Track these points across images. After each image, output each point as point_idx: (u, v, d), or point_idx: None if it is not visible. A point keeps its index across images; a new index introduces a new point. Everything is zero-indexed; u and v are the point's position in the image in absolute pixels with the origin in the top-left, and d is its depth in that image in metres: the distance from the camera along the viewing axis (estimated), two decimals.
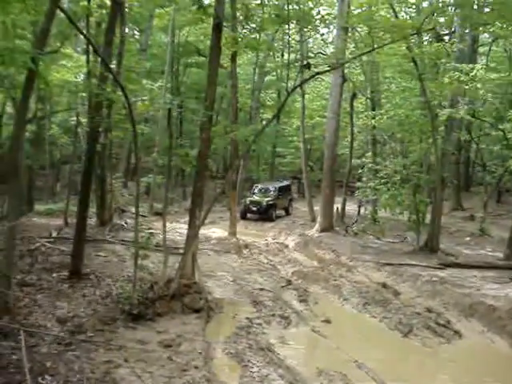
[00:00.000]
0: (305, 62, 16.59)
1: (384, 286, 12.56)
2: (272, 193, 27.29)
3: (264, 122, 23.11)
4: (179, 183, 34.37)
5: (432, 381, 7.48)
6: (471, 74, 15.35)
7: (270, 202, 26.20)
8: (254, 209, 26.12)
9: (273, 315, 9.97)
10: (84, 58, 16.37)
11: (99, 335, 7.76)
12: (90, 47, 13.76)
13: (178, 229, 17.24)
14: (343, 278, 13.25)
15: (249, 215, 26.49)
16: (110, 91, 9.99)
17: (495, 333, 9.42)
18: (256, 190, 28.05)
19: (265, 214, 25.99)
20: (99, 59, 11.50)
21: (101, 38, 12.07)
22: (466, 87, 15.71)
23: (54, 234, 15.83)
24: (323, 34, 28.74)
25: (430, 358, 8.45)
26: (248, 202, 26.18)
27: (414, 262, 14.46)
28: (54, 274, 10.88)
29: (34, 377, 5.86)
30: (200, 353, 7.46)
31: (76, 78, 17.23)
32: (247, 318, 9.62)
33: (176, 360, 7.08)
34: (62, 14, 9.66)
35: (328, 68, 13.95)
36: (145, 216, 20.33)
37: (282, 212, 28.42)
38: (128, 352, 7.19)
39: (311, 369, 7.45)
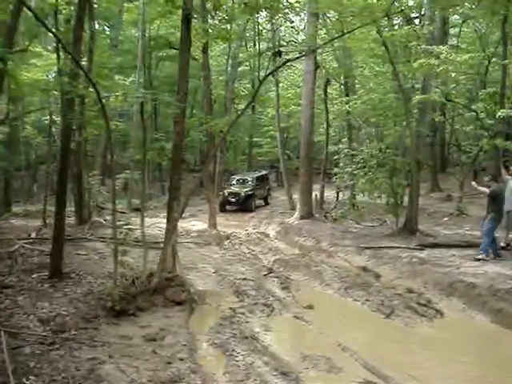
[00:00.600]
0: (276, 50, 16.53)
1: (365, 269, 12.68)
2: (250, 183, 27.43)
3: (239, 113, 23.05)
4: (157, 178, 34.31)
5: (416, 359, 7.56)
6: (442, 56, 15.44)
7: (249, 193, 26.31)
8: (233, 200, 26.19)
9: (256, 304, 10.02)
10: (54, 55, 16.21)
11: (82, 333, 7.72)
12: (60, 45, 13.62)
13: (157, 223, 17.19)
14: (324, 263, 13.33)
15: (228, 207, 26.55)
16: (81, 88, 9.90)
17: (476, 310, 9.53)
18: (234, 181, 28.14)
19: (244, 205, 26.07)
20: (70, 56, 11.37)
21: (70, 35, 11.96)
22: (438, 69, 15.83)
23: (33, 235, 15.70)
24: (293, 22, 28.62)
25: (413, 337, 8.55)
26: (227, 194, 26.22)
27: (393, 245, 14.57)
28: (35, 275, 10.77)
29: (18, 378, 5.82)
30: (184, 345, 7.48)
31: (47, 76, 17.07)
32: (230, 308, 9.64)
33: (160, 353, 7.08)
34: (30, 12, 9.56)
35: (299, 55, 13.97)
36: (123, 212, 20.27)
37: (262, 202, 28.48)
38: (112, 348, 7.18)
39: (296, 354, 7.50)
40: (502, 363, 7.54)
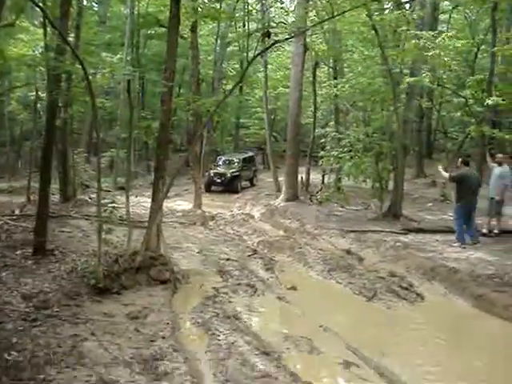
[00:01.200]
0: (265, 31, 16.43)
1: (348, 252, 12.74)
2: (236, 164, 27.49)
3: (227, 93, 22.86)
4: (143, 157, 34.19)
5: (396, 340, 7.66)
6: (437, 41, 15.42)
7: (235, 174, 26.36)
8: (219, 181, 26.21)
9: (239, 284, 10.05)
10: (41, 31, 16.01)
11: (65, 310, 7.71)
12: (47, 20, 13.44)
13: (142, 202, 17.15)
14: (308, 246, 13.39)
15: (213, 187, 26.56)
16: (67, 64, 9.79)
17: (457, 294, 9.63)
18: (220, 162, 28.14)
19: (230, 186, 26.09)
20: (56, 32, 11.24)
21: (58, 10, 11.80)
22: (429, 54, 15.82)
23: (17, 212, 15.64)
24: (283, 3, 28.48)
25: (395, 319, 8.65)
26: (212, 174, 26.21)
27: (377, 228, 14.67)
28: (18, 252, 10.75)
29: None
30: (167, 323, 7.50)
31: (34, 51, 16.88)
32: (214, 288, 9.67)
33: (143, 331, 7.10)
34: None
35: (288, 36, 13.89)
36: (109, 191, 20.20)
37: (248, 183, 28.51)
38: (95, 325, 7.19)
39: (277, 335, 7.54)
40: (478, 344, 7.67)
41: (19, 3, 13.35)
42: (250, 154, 31.27)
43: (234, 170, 26.91)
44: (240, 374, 6.07)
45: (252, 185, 28.94)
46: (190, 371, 5.99)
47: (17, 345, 6.24)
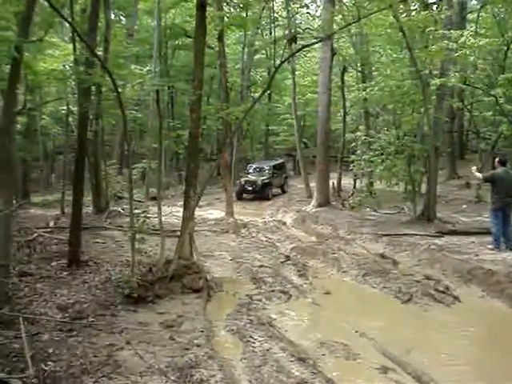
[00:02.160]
0: (291, 36, 16.43)
1: (382, 256, 12.58)
2: (267, 171, 27.40)
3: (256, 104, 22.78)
4: (174, 167, 34.41)
5: (434, 344, 7.51)
6: (460, 41, 15.25)
7: (266, 181, 26.29)
8: (250, 188, 26.17)
9: (273, 291, 10.00)
10: (71, 46, 16.25)
11: (100, 320, 7.77)
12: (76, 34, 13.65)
13: (174, 212, 17.25)
14: (341, 251, 13.26)
15: (245, 195, 26.55)
16: (97, 76, 9.90)
17: (494, 296, 9.45)
18: (251, 170, 28.11)
19: (261, 193, 26.06)
20: (85, 46, 11.40)
21: (86, 24, 11.98)
22: (456, 54, 15.64)
23: (52, 224, 15.86)
24: (308, 8, 28.48)
25: (431, 323, 8.49)
26: (243, 182, 26.22)
27: (411, 232, 14.49)
28: (53, 263, 10.89)
29: (36, 363, 5.87)
30: (201, 331, 7.49)
31: (64, 66, 17.14)
32: (247, 295, 9.64)
33: (178, 339, 7.10)
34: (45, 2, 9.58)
35: (315, 40, 13.83)
36: (141, 201, 20.35)
37: (278, 190, 28.48)
38: (130, 334, 7.22)
39: (313, 340, 7.48)
40: None
41: (48, 19, 13.60)
42: (280, 161, 31.31)
43: (264, 178, 26.82)
44: (276, 381, 6.02)
45: (283, 192, 28.89)
46: (225, 379, 5.96)
47: (53, 355, 6.30)
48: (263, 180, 26.50)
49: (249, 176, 27.27)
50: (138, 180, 25.21)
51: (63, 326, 7.35)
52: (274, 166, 28.56)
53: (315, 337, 7.69)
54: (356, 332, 7.79)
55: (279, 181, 28.79)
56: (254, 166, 29.01)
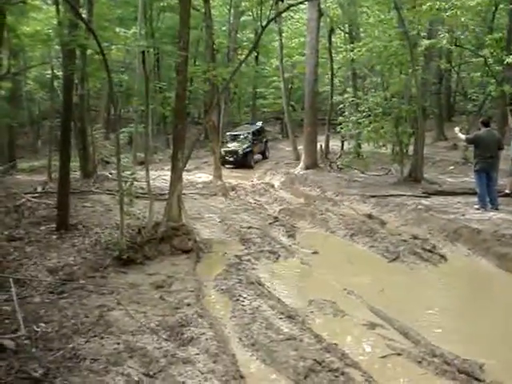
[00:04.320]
0: None
1: (370, 216, 12.68)
2: (247, 139, 26.30)
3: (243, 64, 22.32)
4: (162, 132, 34.20)
5: (421, 301, 7.64)
6: (451, 1, 15.10)
7: (247, 150, 25.40)
8: (231, 159, 25.14)
9: (261, 251, 10.09)
10: (53, 8, 15.97)
11: (91, 282, 7.82)
12: None
13: (162, 176, 17.22)
14: (329, 212, 13.35)
15: (226, 165, 25.30)
16: (81, 37, 9.76)
17: (480, 255, 9.56)
18: (229, 139, 26.83)
19: (243, 163, 24.92)
20: (69, 8, 11.21)
21: None
22: (446, 14, 15.50)
23: (39, 189, 15.81)
24: None
25: (418, 281, 8.62)
26: (223, 153, 24.68)
27: (398, 193, 14.59)
28: (42, 227, 10.90)
29: (28, 325, 5.92)
30: (191, 291, 7.56)
31: (48, 30, 16.88)
32: (236, 256, 9.72)
33: (168, 299, 7.17)
34: None
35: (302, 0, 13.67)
36: (129, 166, 20.29)
37: (260, 156, 27.66)
38: (120, 295, 7.28)
39: (301, 299, 7.59)
40: (502, 303, 7.63)
41: None
42: (259, 125, 29.51)
43: (245, 146, 25.59)
44: (265, 338, 6.11)
45: (264, 157, 27.90)
46: (215, 336, 6.05)
47: (45, 316, 6.35)
48: (244, 149, 25.40)
49: (228, 145, 25.91)
50: (125, 145, 25.03)
51: (54, 289, 7.40)
52: (254, 133, 27.23)
53: (304, 295, 7.80)
54: (344, 290, 7.90)
55: (260, 147, 27.66)
56: (233, 134, 27.57)
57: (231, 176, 21.42)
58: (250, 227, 12.02)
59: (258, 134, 27.79)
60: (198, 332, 6.09)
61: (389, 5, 18.48)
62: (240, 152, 25.12)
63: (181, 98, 10.48)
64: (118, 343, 5.71)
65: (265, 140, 28.82)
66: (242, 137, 26.66)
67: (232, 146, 25.69)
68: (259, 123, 30.03)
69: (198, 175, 21.12)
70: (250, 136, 26.55)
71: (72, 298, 7.09)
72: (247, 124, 31.08)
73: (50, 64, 20.07)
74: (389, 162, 18.52)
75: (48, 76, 22.28)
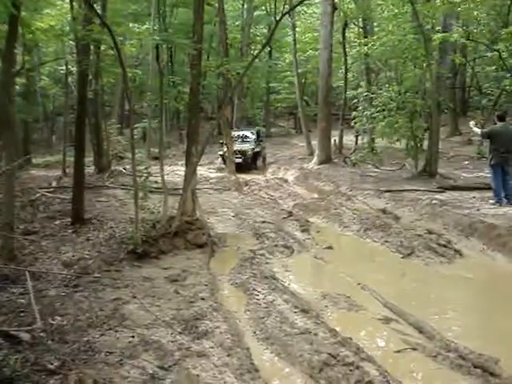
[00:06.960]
0: None
1: (384, 211, 12.61)
2: (252, 139, 24.80)
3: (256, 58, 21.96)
4: (175, 127, 34.30)
5: (435, 296, 7.60)
6: None
7: (256, 150, 23.85)
8: (240, 160, 22.40)
9: (275, 246, 10.10)
10: (67, 5, 16.04)
11: (105, 275, 7.86)
12: None
13: (176, 171, 17.28)
14: (343, 206, 13.31)
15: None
16: (96, 32, 9.79)
17: (495, 250, 9.46)
18: (235, 138, 24.05)
19: (252, 163, 23.63)
20: (83, 5, 11.26)
21: None
22: (459, 8, 15.39)
23: (54, 184, 15.91)
24: None
25: (432, 276, 8.56)
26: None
27: (412, 188, 14.47)
28: (57, 222, 10.98)
29: (44, 318, 5.95)
30: (206, 285, 7.59)
31: (62, 26, 16.97)
32: (250, 250, 9.74)
33: (183, 293, 7.20)
34: None
35: None
36: (143, 161, 20.36)
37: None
38: (135, 289, 7.31)
39: (315, 293, 7.57)
40: None
41: None
42: (257, 128, 27.69)
43: (253, 147, 23.81)
44: (279, 332, 6.10)
45: (264, 163, 25.42)
46: (230, 330, 6.05)
47: (60, 309, 6.39)
48: (253, 149, 23.66)
49: (236, 145, 23.05)
50: (139, 140, 25.10)
51: (69, 282, 7.45)
52: (257, 133, 25.52)
53: (318, 289, 7.77)
54: (358, 285, 7.87)
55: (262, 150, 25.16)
56: (237, 134, 25.26)
57: (244, 171, 21.39)
58: (263, 222, 12.03)
59: (258, 136, 25.68)
60: (213, 325, 6.10)
61: None
62: (250, 152, 23.42)
63: (195, 92, 10.49)
64: (133, 336, 5.73)
65: (263, 145, 26.28)
66: (247, 137, 25.03)
67: (240, 145, 23.54)
68: (256, 127, 28.51)
69: (211, 170, 21.16)
70: (255, 137, 24.98)
71: (87, 291, 7.13)
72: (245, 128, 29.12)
73: (64, 60, 20.17)
74: (403, 156, 18.42)
75: (62, 72, 22.41)
